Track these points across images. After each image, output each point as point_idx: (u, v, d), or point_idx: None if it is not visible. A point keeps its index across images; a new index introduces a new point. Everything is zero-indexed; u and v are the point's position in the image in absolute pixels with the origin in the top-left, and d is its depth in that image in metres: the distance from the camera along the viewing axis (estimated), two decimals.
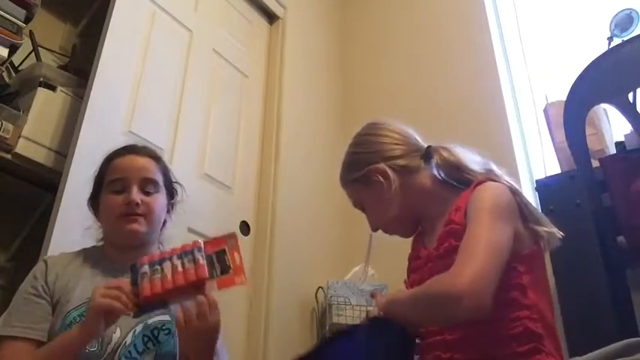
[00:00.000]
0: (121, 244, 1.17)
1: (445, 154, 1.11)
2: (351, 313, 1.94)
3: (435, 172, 1.11)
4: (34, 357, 0.99)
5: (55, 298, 1.07)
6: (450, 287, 0.84)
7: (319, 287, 2.05)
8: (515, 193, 1.00)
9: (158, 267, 0.94)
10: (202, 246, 0.97)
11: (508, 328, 0.91)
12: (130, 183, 1.14)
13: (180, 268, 0.94)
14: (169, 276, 0.93)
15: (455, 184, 1.08)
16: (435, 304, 0.88)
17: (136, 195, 1.13)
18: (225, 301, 1.79)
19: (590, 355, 0.74)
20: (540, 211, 1.40)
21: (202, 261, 0.95)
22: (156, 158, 1.23)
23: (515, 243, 0.93)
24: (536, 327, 0.91)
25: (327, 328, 1.95)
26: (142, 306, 0.92)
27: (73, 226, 1.38)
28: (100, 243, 1.22)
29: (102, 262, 1.16)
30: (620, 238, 1.25)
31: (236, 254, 0.99)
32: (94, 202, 1.20)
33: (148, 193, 1.16)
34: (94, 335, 0.95)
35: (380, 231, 1.19)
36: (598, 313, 1.19)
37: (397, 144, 1.15)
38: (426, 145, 1.16)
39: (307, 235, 2.22)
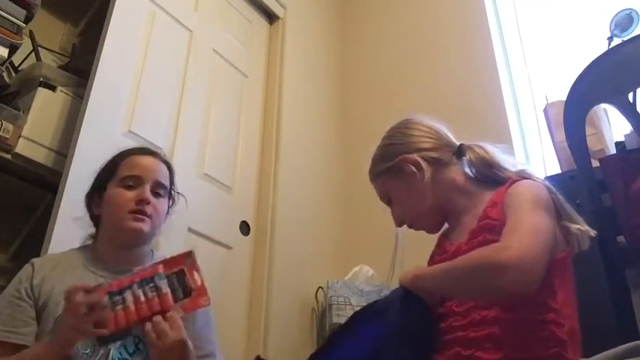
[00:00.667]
0: (120, 241, 1.16)
1: (480, 151, 1.11)
2: (351, 313, 1.94)
3: (467, 168, 1.11)
4: None
5: (42, 301, 1.06)
6: (497, 256, 0.81)
7: (319, 287, 2.05)
8: (551, 191, 0.99)
9: (119, 297, 0.91)
10: (162, 271, 0.95)
11: (534, 331, 0.88)
12: (144, 182, 1.15)
13: (142, 298, 0.92)
14: (132, 307, 0.91)
15: (485, 181, 1.08)
16: (478, 274, 0.84)
17: (149, 194, 1.14)
18: (225, 301, 1.80)
19: (596, 357, 0.73)
20: None
21: (166, 289, 0.93)
22: (168, 165, 1.25)
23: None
24: (561, 332, 0.88)
25: (328, 328, 1.95)
26: (106, 337, 0.90)
27: (73, 226, 1.38)
28: (89, 242, 1.21)
29: (92, 262, 1.15)
30: (620, 238, 1.25)
31: (196, 274, 0.97)
32: (94, 195, 1.19)
33: (157, 195, 1.17)
34: (65, 356, 0.94)
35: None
36: (598, 313, 1.19)
37: (430, 137, 1.15)
38: (458, 143, 1.16)
39: (307, 235, 2.22)
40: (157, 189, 1.17)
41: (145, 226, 1.13)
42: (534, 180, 1.02)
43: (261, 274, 1.97)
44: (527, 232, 0.85)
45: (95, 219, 1.20)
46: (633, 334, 1.04)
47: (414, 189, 1.10)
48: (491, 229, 0.95)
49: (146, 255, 1.21)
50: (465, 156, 1.12)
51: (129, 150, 1.23)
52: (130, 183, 1.15)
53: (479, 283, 0.85)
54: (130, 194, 1.13)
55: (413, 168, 1.10)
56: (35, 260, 1.13)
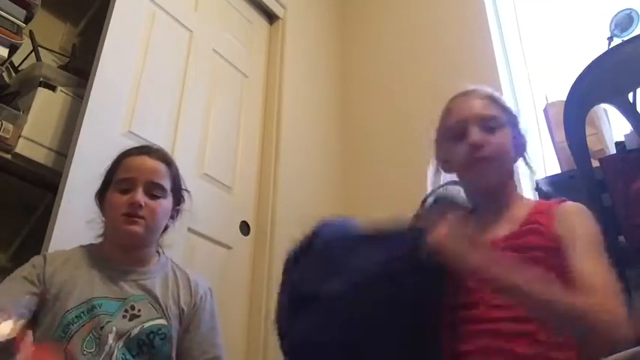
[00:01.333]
0: (120, 243, 1.17)
1: None
2: None
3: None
4: None
5: (53, 292, 1.06)
6: (599, 317, 0.82)
7: None
8: None
9: None
10: None
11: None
12: (136, 184, 1.14)
13: None
14: None
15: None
16: (571, 320, 0.83)
17: (141, 197, 1.13)
18: (226, 300, 1.80)
19: None
20: None
21: None
22: (168, 162, 1.23)
23: None
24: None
25: None
26: None
27: (73, 226, 1.38)
28: (99, 240, 1.22)
29: (100, 260, 1.16)
30: (621, 238, 1.25)
31: None
32: (101, 197, 1.20)
33: (153, 197, 1.16)
34: None
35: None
36: None
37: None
38: None
39: None
40: (153, 190, 1.16)
41: (139, 229, 1.13)
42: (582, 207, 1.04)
43: (261, 274, 1.97)
44: (613, 291, 0.87)
45: (102, 220, 1.21)
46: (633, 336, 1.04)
47: (507, 139, 1.11)
48: (540, 234, 0.97)
49: (152, 256, 1.22)
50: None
51: (127, 151, 1.22)
52: (125, 186, 1.15)
53: (567, 325, 0.85)
54: (123, 198, 1.13)
55: (517, 129, 1.15)
56: (46, 253, 1.14)
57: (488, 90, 1.17)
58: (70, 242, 1.24)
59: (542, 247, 0.96)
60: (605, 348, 0.80)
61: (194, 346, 1.17)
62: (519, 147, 1.16)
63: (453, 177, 1.15)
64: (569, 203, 1.03)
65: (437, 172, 1.19)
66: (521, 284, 0.85)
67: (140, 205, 1.12)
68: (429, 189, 1.18)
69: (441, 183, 1.17)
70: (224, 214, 1.95)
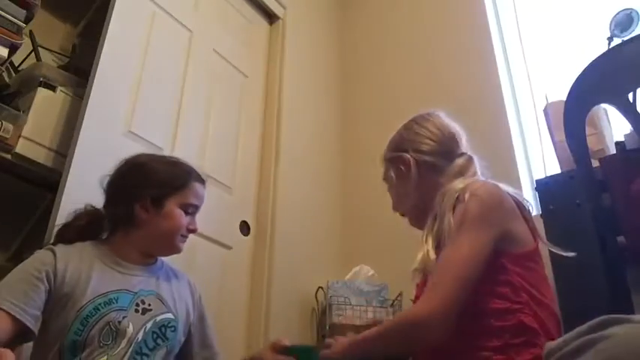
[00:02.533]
0: (154, 250, 1.23)
1: (467, 165, 1.16)
2: (351, 313, 1.94)
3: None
4: None
5: (66, 290, 1.06)
6: (410, 317, 0.97)
7: (319, 287, 2.05)
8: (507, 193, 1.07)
9: None
10: None
11: (501, 320, 0.94)
12: (196, 212, 1.26)
13: None
14: None
15: None
16: (404, 334, 0.96)
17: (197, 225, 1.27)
18: (226, 300, 1.80)
19: (564, 336, 0.74)
20: (540, 211, 1.40)
21: None
22: None
23: (506, 242, 0.99)
24: (531, 321, 0.93)
25: (327, 328, 1.95)
26: None
27: None
28: (103, 237, 1.22)
29: (111, 257, 1.17)
30: (620, 238, 1.25)
31: None
32: (145, 198, 1.18)
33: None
34: None
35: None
36: (598, 313, 1.19)
37: (431, 141, 1.20)
38: (464, 152, 1.20)
39: (307, 235, 2.22)
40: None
41: (183, 248, 1.25)
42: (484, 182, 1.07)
43: (261, 274, 1.97)
44: (444, 281, 0.94)
45: (131, 219, 1.18)
46: None
47: (402, 184, 1.20)
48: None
49: (154, 260, 1.27)
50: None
51: (195, 174, 1.29)
52: (190, 210, 1.24)
53: (406, 340, 0.97)
54: (187, 219, 1.22)
55: (402, 168, 1.20)
56: (54, 248, 1.12)
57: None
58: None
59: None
60: (427, 342, 0.94)
61: (195, 342, 1.24)
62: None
63: None
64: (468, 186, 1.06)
65: None
66: (365, 344, 1.00)
67: (195, 232, 1.27)
68: None
69: None
70: (224, 214, 1.95)
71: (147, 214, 1.18)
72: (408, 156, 1.19)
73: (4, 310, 0.97)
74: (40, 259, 1.08)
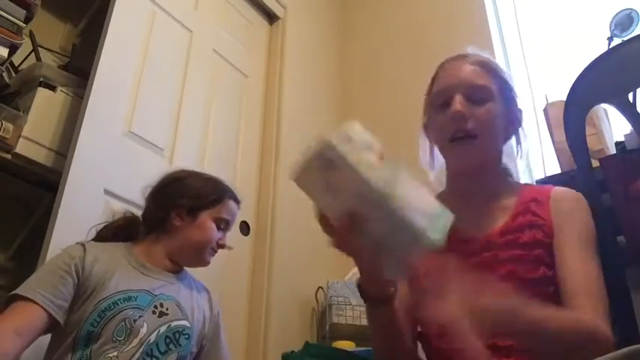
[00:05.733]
0: (182, 259, 1.25)
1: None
2: (351, 313, 1.94)
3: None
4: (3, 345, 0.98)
5: (91, 282, 1.09)
6: (597, 333, 0.80)
7: (319, 287, 2.05)
8: None
9: None
10: None
11: None
12: (229, 228, 1.30)
13: None
14: None
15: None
16: (577, 343, 0.79)
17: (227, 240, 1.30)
18: (226, 300, 1.80)
19: None
20: None
21: None
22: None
23: None
24: None
25: (327, 328, 1.95)
26: None
27: (73, 225, 1.38)
28: (127, 241, 1.25)
29: (136, 258, 1.20)
30: (620, 238, 1.25)
31: None
32: (181, 208, 1.25)
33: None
34: None
35: None
36: None
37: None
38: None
39: (307, 235, 2.21)
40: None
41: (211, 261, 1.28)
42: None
43: (261, 274, 1.97)
44: (601, 300, 0.84)
45: (164, 225, 1.24)
46: (633, 335, 1.04)
47: (498, 125, 1.01)
48: (537, 226, 0.92)
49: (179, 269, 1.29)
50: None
51: (230, 191, 1.34)
52: (222, 225, 1.28)
53: (564, 345, 0.79)
54: (219, 234, 1.26)
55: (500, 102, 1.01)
56: (85, 242, 1.17)
57: (484, 56, 1.05)
58: (70, 242, 1.24)
59: (543, 243, 0.91)
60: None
61: (208, 358, 1.25)
62: (513, 123, 1.03)
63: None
64: (565, 190, 0.98)
65: (430, 146, 1.08)
66: (520, 326, 0.77)
67: (224, 248, 1.31)
68: (426, 166, 1.09)
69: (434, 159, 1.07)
70: None
71: (181, 222, 1.24)
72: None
73: (33, 301, 1.02)
74: (69, 252, 1.12)
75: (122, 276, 1.13)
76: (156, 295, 1.15)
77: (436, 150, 1.06)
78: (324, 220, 0.73)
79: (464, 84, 0.97)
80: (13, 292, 1.04)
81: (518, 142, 1.06)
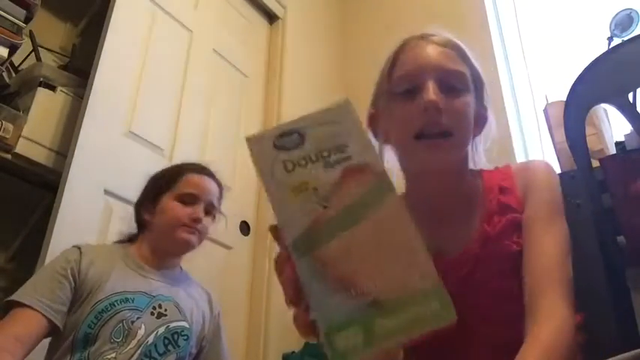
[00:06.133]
0: (166, 249, 1.22)
1: None
2: None
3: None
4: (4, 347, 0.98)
5: (87, 285, 1.09)
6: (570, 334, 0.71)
7: None
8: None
9: None
10: None
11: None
12: (199, 201, 1.23)
13: None
14: None
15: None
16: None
17: (202, 214, 1.22)
18: (226, 300, 1.80)
19: None
20: None
21: None
22: (221, 186, 1.33)
23: None
24: None
25: None
26: None
27: (73, 225, 1.38)
28: (125, 242, 1.25)
29: (133, 260, 1.19)
30: (620, 238, 1.25)
31: None
32: (147, 202, 1.24)
33: (207, 214, 1.25)
34: None
35: None
36: (597, 313, 1.19)
37: None
38: None
39: None
40: (209, 209, 1.25)
41: (194, 239, 1.21)
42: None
43: (261, 274, 1.97)
44: (567, 283, 0.74)
45: (142, 223, 1.24)
46: (633, 335, 1.04)
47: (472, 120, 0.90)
48: (518, 224, 0.79)
49: (176, 266, 1.28)
50: None
51: (189, 166, 1.29)
52: (187, 200, 1.22)
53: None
54: (186, 210, 1.20)
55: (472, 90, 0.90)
56: (81, 245, 1.17)
57: (452, 37, 0.89)
58: (70, 242, 1.24)
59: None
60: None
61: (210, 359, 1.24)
62: (480, 120, 0.90)
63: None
64: (523, 163, 0.89)
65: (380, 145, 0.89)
66: None
67: (201, 221, 1.21)
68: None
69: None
70: (224, 214, 1.95)
71: (150, 216, 1.22)
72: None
73: (31, 308, 1.02)
74: (65, 256, 1.12)
75: (119, 277, 1.13)
76: (154, 297, 1.14)
77: (385, 148, 0.89)
78: (279, 240, 0.45)
79: (436, 69, 0.80)
80: (10, 298, 1.03)
81: (480, 141, 0.94)
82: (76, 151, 1.48)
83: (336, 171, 0.43)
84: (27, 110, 1.61)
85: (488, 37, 2.28)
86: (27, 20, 1.67)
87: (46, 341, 1.10)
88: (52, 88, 1.67)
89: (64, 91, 1.70)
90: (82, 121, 1.52)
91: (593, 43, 1.86)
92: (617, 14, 1.77)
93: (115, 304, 1.08)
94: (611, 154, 1.53)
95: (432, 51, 0.83)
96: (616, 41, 1.73)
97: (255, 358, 1.84)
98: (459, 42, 0.88)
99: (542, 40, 2.29)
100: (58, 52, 2.15)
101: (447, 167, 0.83)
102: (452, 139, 0.79)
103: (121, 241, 1.26)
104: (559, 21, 2.24)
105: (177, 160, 1.79)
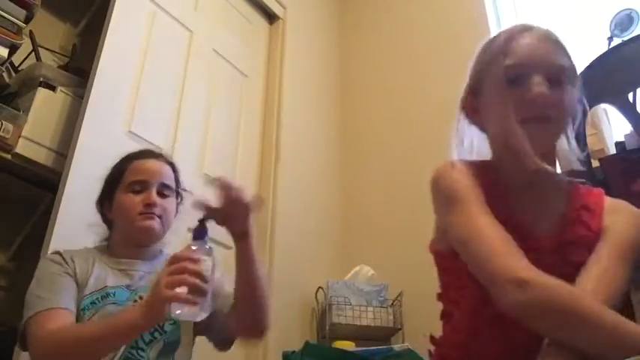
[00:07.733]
0: (134, 241, 1.21)
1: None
2: (351, 313, 1.94)
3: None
4: (77, 328, 1.02)
5: (78, 282, 1.10)
6: None
7: (319, 287, 2.05)
8: None
9: None
10: None
11: None
12: (149, 185, 1.20)
13: None
14: None
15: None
16: None
17: (155, 197, 1.19)
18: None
19: None
20: None
21: None
22: (172, 165, 1.29)
23: None
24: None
25: (327, 328, 1.95)
26: None
27: (73, 225, 1.38)
28: (104, 243, 1.24)
29: (109, 257, 1.19)
30: None
31: None
32: (105, 201, 1.23)
33: (164, 196, 1.22)
34: (158, 322, 1.05)
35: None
36: None
37: None
38: None
39: (307, 235, 2.21)
40: (163, 190, 1.22)
41: (156, 224, 1.18)
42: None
43: None
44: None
45: (108, 222, 1.24)
46: None
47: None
48: (589, 246, 0.84)
49: (157, 253, 1.26)
50: None
51: (132, 155, 1.26)
52: (137, 188, 1.19)
53: None
54: (138, 198, 1.18)
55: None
56: (57, 250, 1.16)
57: (555, 33, 0.94)
58: (70, 242, 1.24)
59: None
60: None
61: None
62: (575, 113, 0.94)
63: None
64: (618, 202, 0.92)
65: (463, 125, 0.98)
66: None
67: (156, 204, 1.18)
68: (454, 146, 0.99)
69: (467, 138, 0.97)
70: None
71: (111, 214, 1.22)
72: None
73: (52, 308, 1.02)
74: (51, 259, 1.13)
75: (98, 275, 1.13)
76: (133, 290, 1.14)
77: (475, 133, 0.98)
78: None
79: (545, 62, 0.88)
80: (28, 317, 1.02)
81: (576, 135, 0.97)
82: (76, 151, 1.48)
83: None
84: (27, 110, 1.61)
85: (489, 37, 2.28)
86: (27, 20, 1.68)
87: None
88: (52, 88, 1.67)
89: (64, 91, 1.70)
90: (82, 121, 1.52)
91: (593, 43, 1.86)
92: (617, 14, 1.77)
93: (96, 301, 1.08)
94: (611, 154, 1.53)
95: (541, 44, 0.90)
96: (616, 41, 1.73)
97: (255, 358, 1.84)
98: (559, 36, 0.94)
99: None
100: (58, 52, 2.16)
101: (544, 151, 0.90)
102: (551, 127, 0.88)
103: (96, 246, 1.25)
104: (559, 21, 2.24)
105: (178, 160, 1.78)
